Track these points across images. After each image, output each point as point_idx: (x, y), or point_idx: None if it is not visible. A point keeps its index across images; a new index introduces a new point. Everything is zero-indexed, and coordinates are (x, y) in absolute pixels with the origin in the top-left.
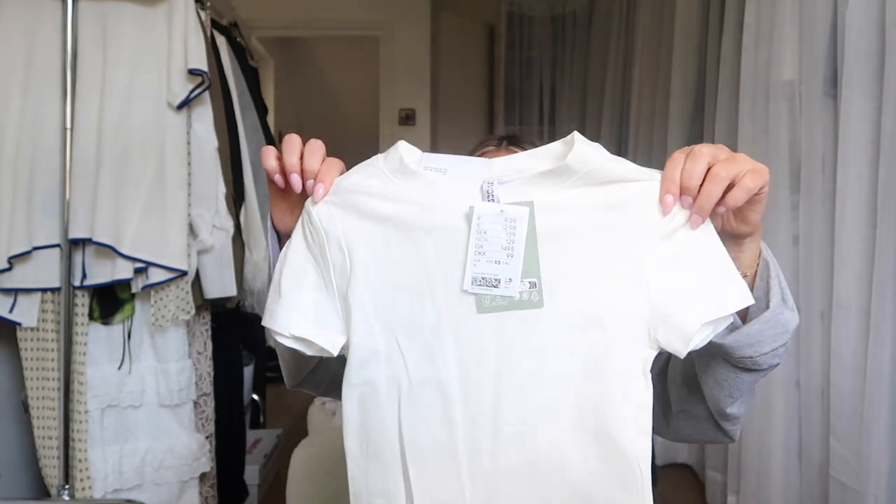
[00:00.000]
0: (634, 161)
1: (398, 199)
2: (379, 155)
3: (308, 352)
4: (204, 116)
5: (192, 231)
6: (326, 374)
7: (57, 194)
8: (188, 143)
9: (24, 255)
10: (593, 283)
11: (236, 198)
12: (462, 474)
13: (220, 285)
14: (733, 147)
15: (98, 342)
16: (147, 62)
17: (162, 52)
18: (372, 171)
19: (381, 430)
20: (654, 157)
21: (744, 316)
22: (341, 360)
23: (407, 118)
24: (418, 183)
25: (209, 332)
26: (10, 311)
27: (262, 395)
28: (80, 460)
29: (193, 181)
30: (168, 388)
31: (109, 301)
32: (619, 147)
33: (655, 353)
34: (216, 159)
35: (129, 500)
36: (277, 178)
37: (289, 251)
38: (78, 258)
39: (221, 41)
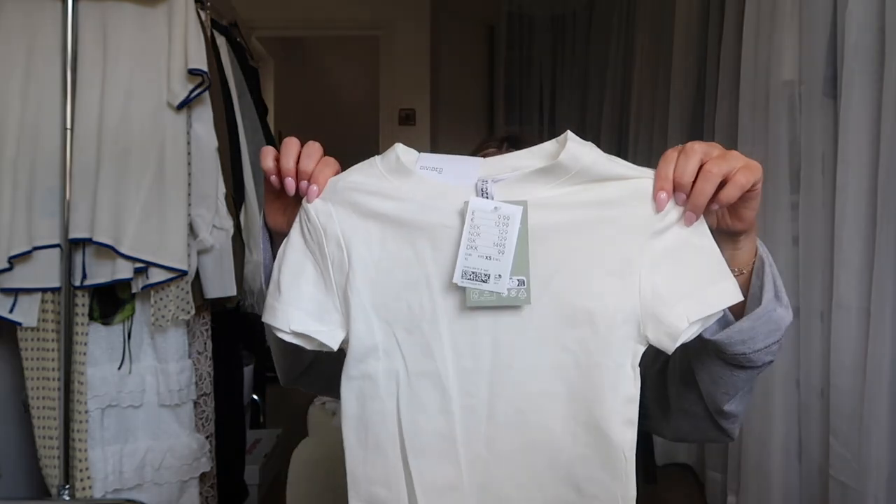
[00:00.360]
0: (634, 161)
1: (395, 197)
2: (376, 156)
3: (308, 347)
4: (204, 116)
5: (192, 231)
6: (320, 374)
7: (57, 194)
8: (188, 143)
9: (24, 255)
10: (584, 280)
11: (236, 198)
12: (459, 460)
13: (220, 285)
14: (733, 147)
15: (98, 342)
16: (147, 62)
17: (162, 52)
18: (369, 171)
19: (381, 421)
20: (654, 157)
21: (738, 312)
22: (336, 360)
23: (407, 118)
24: (414, 181)
25: (209, 332)
26: (11, 311)
27: (262, 395)
28: (80, 460)
29: (193, 181)
30: (168, 388)
31: (109, 301)
32: (619, 147)
33: (644, 347)
34: (216, 159)
35: (129, 500)
36: (273, 178)
37: (287, 248)
38: (78, 258)
39: (221, 41)
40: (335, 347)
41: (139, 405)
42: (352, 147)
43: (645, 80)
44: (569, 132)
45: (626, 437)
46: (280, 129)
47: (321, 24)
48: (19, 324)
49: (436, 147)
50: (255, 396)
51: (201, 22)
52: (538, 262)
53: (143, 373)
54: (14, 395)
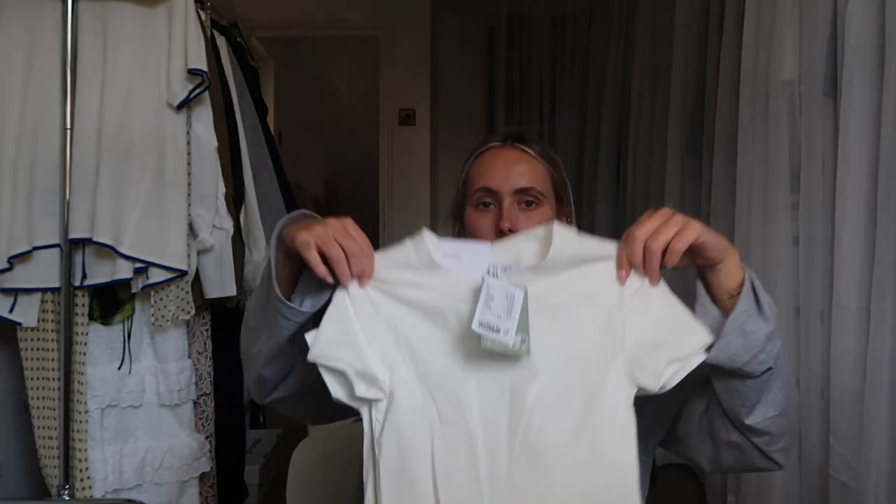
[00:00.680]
0: (634, 161)
1: (427, 287)
2: (408, 242)
3: (342, 396)
4: (204, 116)
5: (192, 231)
6: (301, 387)
7: (57, 194)
8: (188, 143)
9: (24, 255)
10: (580, 342)
11: (236, 198)
12: (483, 495)
13: (220, 285)
14: (733, 147)
15: (98, 342)
16: (147, 62)
17: (162, 52)
18: (404, 261)
19: (419, 464)
20: (653, 157)
21: None
22: (318, 395)
23: (407, 118)
24: (441, 273)
25: (209, 332)
26: (11, 311)
27: None
28: (80, 460)
29: (193, 181)
30: (168, 388)
31: (109, 301)
32: (618, 147)
33: (635, 389)
34: (216, 159)
35: (129, 500)
36: (329, 279)
37: (338, 302)
38: (78, 258)
39: (221, 41)
40: (372, 397)
41: (139, 405)
42: (352, 147)
43: (645, 80)
44: (555, 224)
45: (627, 462)
46: (280, 129)
47: (321, 24)
48: (19, 324)
49: (436, 146)
50: None
51: (201, 22)
52: (535, 329)
53: (143, 373)
54: (14, 395)
